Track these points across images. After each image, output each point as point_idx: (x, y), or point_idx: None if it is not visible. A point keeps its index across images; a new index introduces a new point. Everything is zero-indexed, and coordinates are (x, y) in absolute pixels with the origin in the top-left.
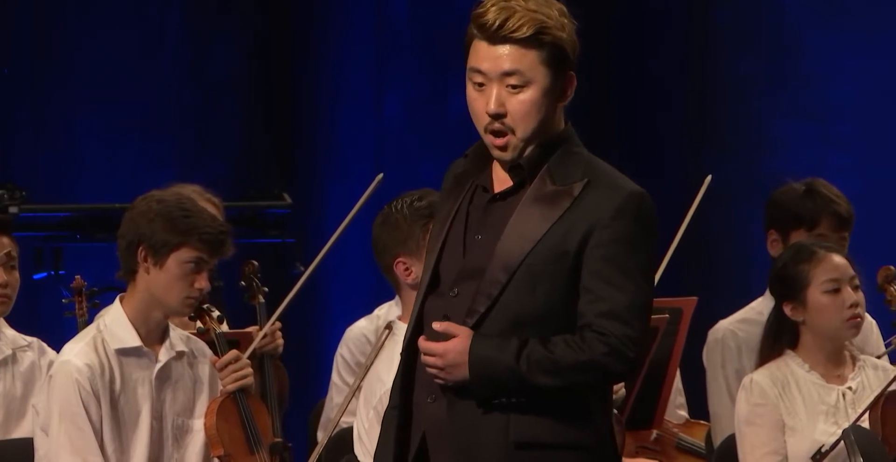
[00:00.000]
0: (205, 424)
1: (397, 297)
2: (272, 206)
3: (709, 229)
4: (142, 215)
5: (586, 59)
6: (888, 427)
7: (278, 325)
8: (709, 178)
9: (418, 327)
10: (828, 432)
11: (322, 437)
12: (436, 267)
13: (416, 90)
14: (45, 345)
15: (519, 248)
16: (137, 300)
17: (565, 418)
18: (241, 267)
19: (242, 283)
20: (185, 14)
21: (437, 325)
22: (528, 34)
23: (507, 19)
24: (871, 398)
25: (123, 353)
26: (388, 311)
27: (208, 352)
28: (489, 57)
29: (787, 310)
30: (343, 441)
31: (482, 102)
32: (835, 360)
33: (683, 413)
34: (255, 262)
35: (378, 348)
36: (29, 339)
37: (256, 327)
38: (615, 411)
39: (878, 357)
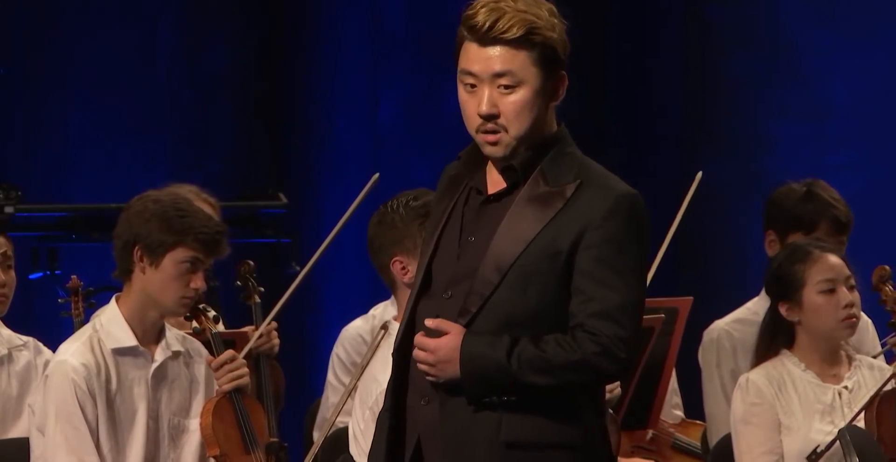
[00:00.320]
0: (201, 424)
1: (393, 297)
2: (268, 205)
3: (705, 229)
4: (138, 215)
5: (583, 58)
6: (884, 427)
7: (274, 324)
8: (699, 174)
9: (410, 329)
10: (823, 432)
11: (318, 436)
12: (428, 268)
13: (412, 90)
14: (41, 344)
15: (511, 249)
16: (133, 300)
17: (556, 418)
18: (237, 267)
19: (238, 282)
20: (180, 14)
21: (429, 322)
22: (518, 35)
23: (496, 20)
24: (867, 398)
25: (119, 352)
26: (384, 310)
27: (204, 352)
28: (480, 58)
29: (783, 310)
30: (339, 441)
31: (474, 104)
32: (830, 360)
33: (679, 413)
34: (251, 262)
35: (374, 348)
36: (25, 338)
37: (252, 327)
38: (611, 411)
39: (874, 357)
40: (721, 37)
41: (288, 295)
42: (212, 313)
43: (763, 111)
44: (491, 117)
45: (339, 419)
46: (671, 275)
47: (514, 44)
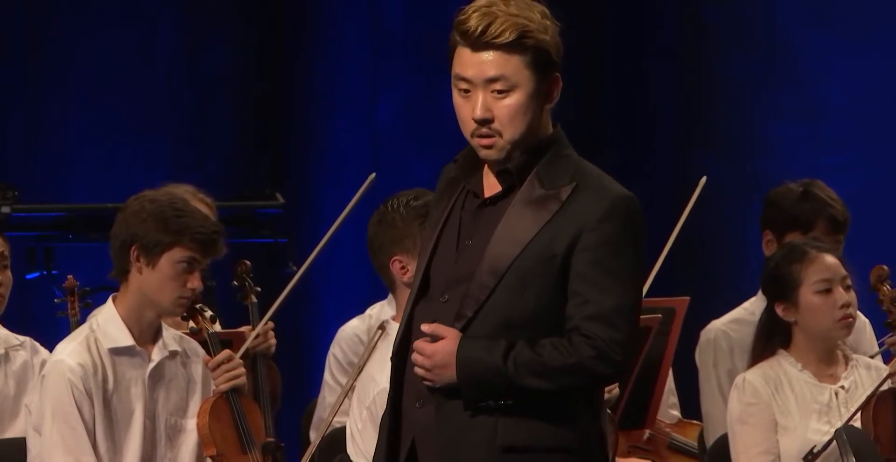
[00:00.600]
0: (197, 424)
1: (390, 297)
2: (265, 206)
3: (701, 229)
4: (134, 215)
5: (579, 59)
6: (880, 426)
7: (271, 324)
8: (703, 179)
9: (407, 333)
10: (820, 432)
11: (315, 436)
12: (426, 271)
13: (410, 91)
14: (37, 344)
15: (508, 252)
16: (130, 300)
17: (552, 422)
18: (234, 267)
19: (235, 282)
20: (179, 13)
21: (425, 327)
22: (510, 39)
23: (489, 25)
24: (864, 398)
25: (116, 352)
26: (381, 310)
27: (201, 351)
28: (473, 63)
29: (780, 310)
30: (336, 441)
31: (468, 109)
32: (827, 360)
33: (676, 413)
34: (248, 262)
35: (371, 348)
36: (21, 338)
37: (249, 327)
38: (608, 411)
39: (871, 356)
40: (717, 38)
41: (285, 295)
42: (209, 313)
43: (760, 112)
44: (485, 122)
45: (335, 419)
46: (668, 275)
47: (507, 48)
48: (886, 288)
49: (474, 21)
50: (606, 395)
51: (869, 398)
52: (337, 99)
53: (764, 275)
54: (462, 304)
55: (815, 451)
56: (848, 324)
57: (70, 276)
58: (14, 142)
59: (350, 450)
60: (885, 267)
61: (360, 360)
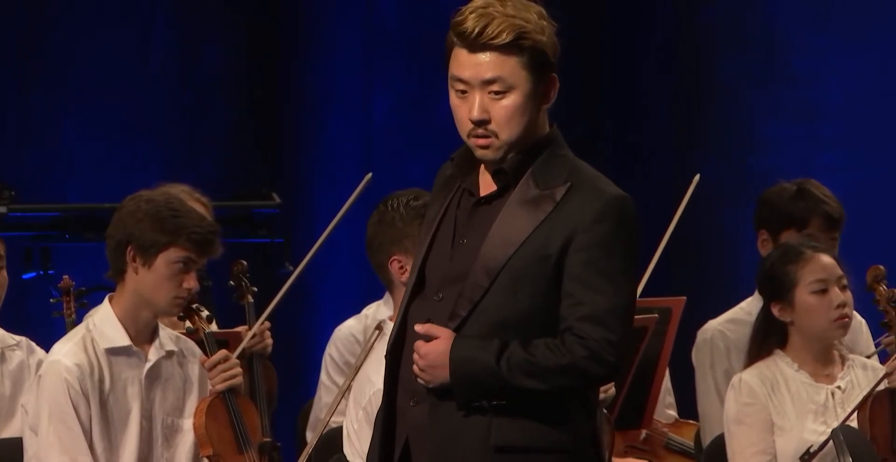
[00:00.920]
0: (194, 424)
1: (386, 297)
2: (261, 205)
3: (698, 229)
4: (130, 215)
5: (576, 59)
6: (876, 426)
7: (267, 324)
8: (697, 177)
9: (402, 331)
10: (816, 432)
11: (311, 437)
12: (422, 269)
13: (405, 90)
14: (33, 344)
15: (502, 252)
16: (126, 300)
17: (546, 422)
18: (230, 266)
19: (231, 282)
20: (174, 14)
21: (418, 327)
22: (507, 40)
23: (486, 26)
24: (860, 398)
25: (113, 352)
26: (377, 310)
27: (198, 351)
28: (470, 65)
29: (776, 310)
30: (332, 441)
31: (465, 109)
32: (823, 360)
33: (672, 413)
34: (244, 262)
35: (367, 348)
36: (18, 338)
37: (245, 327)
38: (604, 411)
39: (868, 357)
40: (714, 38)
41: (281, 295)
42: (205, 313)
43: (756, 112)
44: (482, 123)
45: (332, 419)
46: (665, 275)
47: (504, 49)
48: (883, 288)
49: (471, 22)
50: (602, 395)
51: (865, 398)
52: (333, 99)
53: (760, 275)
54: (456, 304)
55: (811, 450)
56: (844, 324)
57: (66, 276)
58: (9, 141)
59: (346, 450)
60: (882, 267)
61: (356, 361)
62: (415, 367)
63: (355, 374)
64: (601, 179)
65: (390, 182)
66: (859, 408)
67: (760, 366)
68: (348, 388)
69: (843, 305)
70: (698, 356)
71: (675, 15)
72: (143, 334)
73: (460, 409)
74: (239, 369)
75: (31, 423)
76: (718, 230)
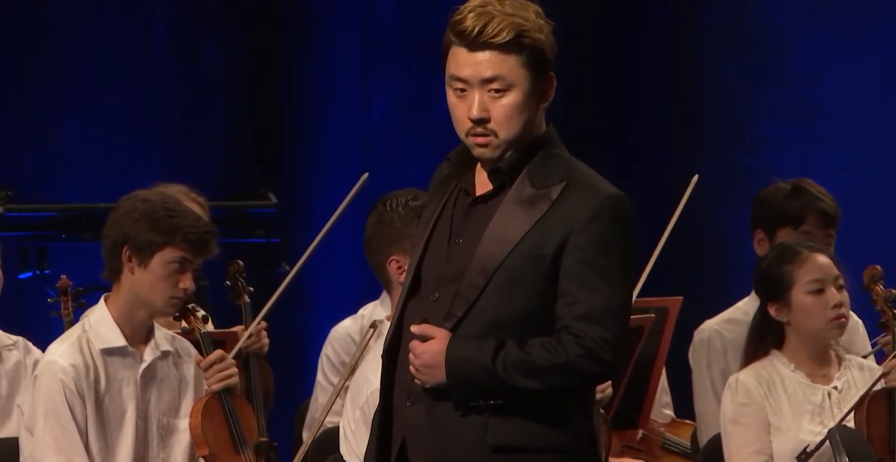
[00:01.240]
0: (190, 424)
1: (383, 297)
2: (258, 205)
3: (695, 229)
4: (126, 215)
5: (574, 59)
6: (873, 427)
7: (263, 324)
8: (695, 177)
9: (398, 331)
10: (813, 432)
11: (307, 436)
12: (418, 269)
13: (403, 91)
14: (30, 344)
15: (497, 251)
16: (122, 300)
17: (543, 422)
18: (227, 266)
19: (228, 282)
20: (174, 14)
21: (414, 328)
22: (507, 39)
23: (485, 25)
24: (857, 398)
25: (108, 352)
26: (374, 310)
27: (193, 351)
28: (469, 63)
29: (772, 310)
30: (328, 441)
31: (464, 108)
32: (820, 360)
33: (669, 412)
34: (241, 262)
35: (363, 348)
36: (14, 337)
37: (242, 327)
38: (601, 411)
39: (864, 357)
40: (712, 37)
41: (277, 295)
42: (201, 313)
43: (755, 112)
44: (482, 121)
45: (328, 419)
46: (662, 275)
47: (504, 48)
48: (880, 288)
49: (471, 21)
50: (599, 395)
51: (862, 398)
52: (331, 99)
53: (756, 275)
54: (452, 304)
55: (808, 451)
56: (840, 324)
57: (63, 276)
58: (7, 142)
59: (343, 450)
60: (879, 267)
61: (352, 360)
62: (411, 368)
63: (351, 374)
64: (597, 178)
65: (389, 182)
66: (856, 408)
67: (757, 366)
68: (344, 387)
69: (839, 305)
70: (695, 356)
71: (674, 15)
72: (139, 334)
73: (457, 409)
74: (235, 369)
75: (26, 423)
76: (717, 230)
